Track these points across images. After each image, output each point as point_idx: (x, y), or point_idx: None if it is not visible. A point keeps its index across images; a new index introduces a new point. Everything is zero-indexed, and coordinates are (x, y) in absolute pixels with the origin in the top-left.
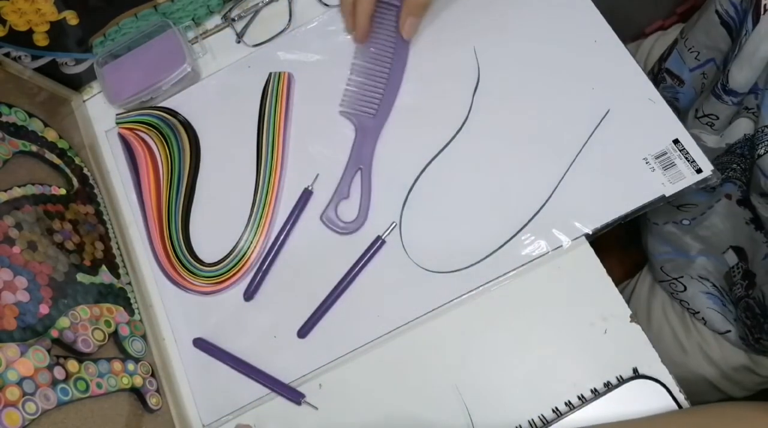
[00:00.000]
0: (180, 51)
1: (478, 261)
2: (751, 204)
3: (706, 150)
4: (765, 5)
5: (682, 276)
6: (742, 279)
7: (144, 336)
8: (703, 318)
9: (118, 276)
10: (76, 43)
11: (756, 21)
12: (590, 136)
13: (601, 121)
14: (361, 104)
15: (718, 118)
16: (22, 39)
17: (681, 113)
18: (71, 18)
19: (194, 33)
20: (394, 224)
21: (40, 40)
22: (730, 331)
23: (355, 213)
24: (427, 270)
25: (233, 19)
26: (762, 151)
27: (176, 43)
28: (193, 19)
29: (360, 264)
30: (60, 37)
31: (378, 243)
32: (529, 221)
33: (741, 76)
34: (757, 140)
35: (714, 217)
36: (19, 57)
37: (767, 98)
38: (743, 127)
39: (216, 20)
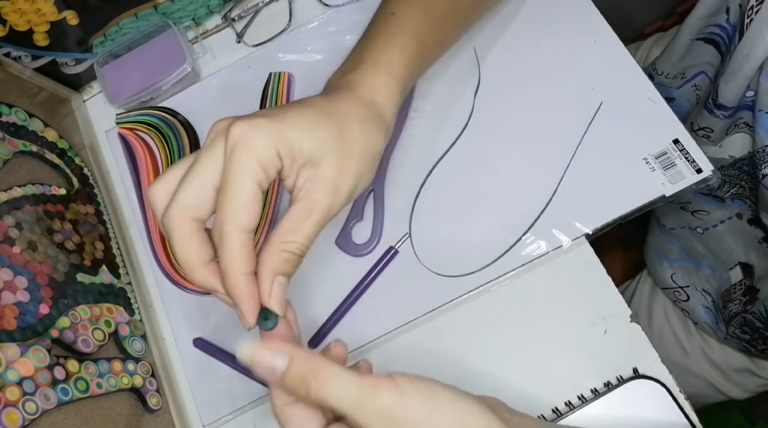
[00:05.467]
0: (180, 51)
1: (489, 264)
2: (762, 223)
3: (708, 160)
4: (746, 23)
5: (688, 286)
6: (743, 295)
7: (144, 336)
8: (701, 329)
9: (118, 276)
10: (76, 43)
11: (741, 37)
12: (585, 131)
13: (595, 115)
14: None
15: (713, 131)
16: (22, 39)
17: None
18: (71, 18)
19: (194, 33)
20: (406, 235)
21: (40, 40)
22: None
23: (367, 233)
24: (440, 274)
25: (233, 19)
26: (766, 171)
27: (176, 43)
28: (193, 19)
29: (373, 275)
30: (60, 37)
31: (391, 253)
32: (535, 221)
33: (728, 91)
34: (758, 160)
35: (725, 234)
36: (19, 57)
37: (761, 119)
38: (744, 143)
39: (216, 20)
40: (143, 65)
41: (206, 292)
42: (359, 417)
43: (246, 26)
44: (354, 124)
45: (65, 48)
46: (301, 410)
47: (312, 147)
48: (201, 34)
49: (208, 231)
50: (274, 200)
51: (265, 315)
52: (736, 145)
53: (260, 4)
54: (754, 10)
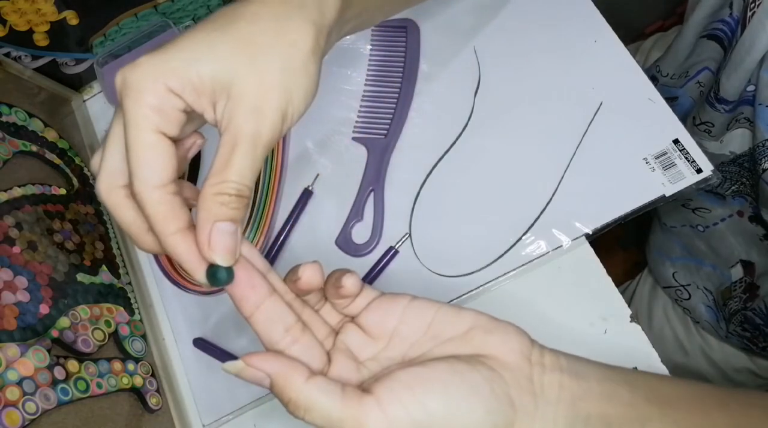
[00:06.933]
0: None
1: (489, 264)
2: (763, 220)
3: (709, 155)
4: (749, 17)
5: (689, 285)
6: (743, 292)
7: (144, 336)
8: (702, 327)
9: (118, 276)
10: (77, 43)
11: (743, 30)
12: (585, 131)
13: (595, 115)
14: (372, 127)
15: (713, 125)
16: (22, 39)
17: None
18: (71, 18)
19: None
20: (406, 235)
21: (40, 40)
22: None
23: (368, 233)
24: (440, 274)
25: None
26: (766, 165)
27: None
28: (193, 19)
29: (373, 275)
30: (60, 37)
31: (391, 253)
32: (535, 221)
33: (729, 85)
34: (758, 155)
35: (726, 232)
36: (19, 57)
37: (761, 113)
38: (745, 138)
39: None
40: None
41: (206, 292)
42: None
43: None
44: (265, 25)
45: (65, 48)
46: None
47: (212, 69)
48: None
49: None
50: (276, 183)
51: (213, 271)
52: (737, 141)
53: None
54: (757, 2)
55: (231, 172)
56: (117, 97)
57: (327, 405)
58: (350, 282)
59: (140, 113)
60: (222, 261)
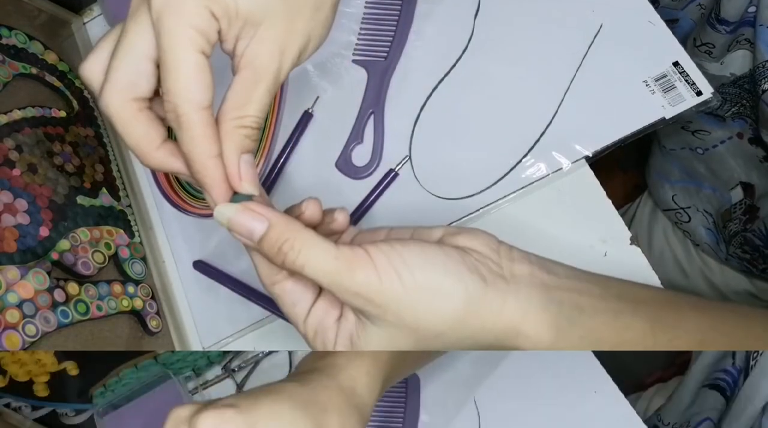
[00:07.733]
0: (180, 403)
1: (489, 187)
2: (762, 142)
3: (709, 77)
4: None
5: (689, 207)
6: (743, 214)
7: (144, 259)
8: (702, 250)
9: (118, 198)
10: (77, 393)
11: None
12: (585, 54)
13: (594, 37)
14: (372, 50)
15: (714, 47)
16: (21, 389)
17: (680, 42)
18: (71, 368)
19: (194, 383)
20: (406, 157)
21: (41, 390)
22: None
23: (368, 155)
24: (439, 197)
25: (233, 370)
26: (766, 86)
27: (176, 393)
28: (193, 370)
29: (373, 197)
30: (60, 386)
31: (391, 175)
32: (535, 144)
33: (730, 6)
34: (758, 76)
35: (726, 154)
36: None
37: (762, 33)
38: (745, 60)
39: (216, 371)
40: (143, 416)
41: (207, 214)
42: (334, 292)
43: (246, 377)
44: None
45: (65, 398)
46: (291, 285)
47: (251, 4)
48: (201, 385)
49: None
50: (276, 105)
51: (239, 200)
52: (737, 62)
53: (260, 356)
54: None
55: (253, 107)
56: (147, 11)
57: (322, 254)
58: (342, 216)
59: (186, 34)
60: (253, 190)
